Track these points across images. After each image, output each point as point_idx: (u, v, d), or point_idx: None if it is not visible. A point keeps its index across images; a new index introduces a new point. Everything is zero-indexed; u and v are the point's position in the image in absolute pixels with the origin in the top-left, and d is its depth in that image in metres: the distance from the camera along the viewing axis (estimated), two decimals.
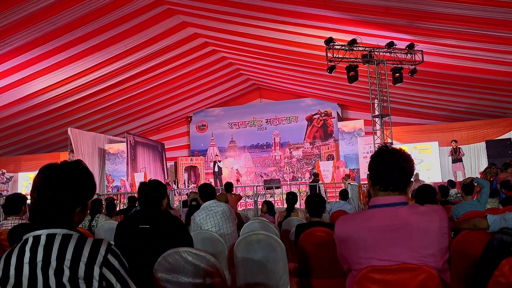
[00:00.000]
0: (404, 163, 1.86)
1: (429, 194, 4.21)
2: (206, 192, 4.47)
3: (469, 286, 2.62)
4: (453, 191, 9.15)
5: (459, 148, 14.13)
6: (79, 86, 13.41)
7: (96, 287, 1.49)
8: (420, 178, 12.27)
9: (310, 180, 14.63)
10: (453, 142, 14.19)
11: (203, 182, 18.33)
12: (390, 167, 1.85)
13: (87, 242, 1.52)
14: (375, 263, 1.77)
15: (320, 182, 13.73)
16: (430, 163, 14.95)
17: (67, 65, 11.73)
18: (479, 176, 14.08)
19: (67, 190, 1.57)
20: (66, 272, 1.46)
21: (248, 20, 11.23)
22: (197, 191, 4.82)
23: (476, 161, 15.41)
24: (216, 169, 17.34)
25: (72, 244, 1.50)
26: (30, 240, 1.51)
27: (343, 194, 8.36)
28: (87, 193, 1.66)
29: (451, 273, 1.90)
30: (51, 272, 1.45)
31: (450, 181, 10.36)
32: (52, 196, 1.54)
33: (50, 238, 1.51)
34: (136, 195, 5.05)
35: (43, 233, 1.52)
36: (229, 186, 8.56)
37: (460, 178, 12.57)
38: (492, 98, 13.75)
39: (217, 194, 8.01)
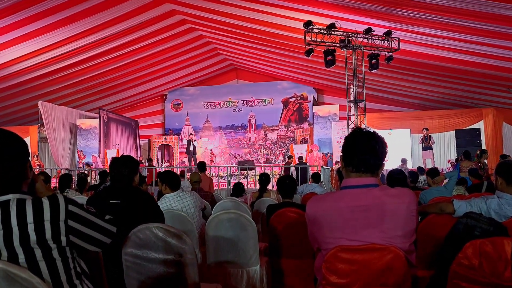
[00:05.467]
0: (377, 145, 1.87)
1: (401, 180, 4.26)
2: (174, 181, 4.08)
3: (433, 267, 2.70)
4: (422, 178, 9.34)
5: (430, 136, 14.42)
6: (51, 58, 13.02)
7: (65, 241, 1.54)
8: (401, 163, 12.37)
9: (284, 163, 14.70)
10: (424, 130, 14.46)
11: (176, 162, 18.23)
12: (363, 149, 1.86)
13: (43, 202, 1.53)
14: (344, 243, 1.80)
15: (293, 164, 13.81)
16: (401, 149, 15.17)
17: (40, 35, 11.34)
18: (448, 164, 14.48)
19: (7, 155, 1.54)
20: (33, 237, 1.46)
21: None
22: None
23: (445, 149, 15.78)
24: (191, 148, 17.19)
25: (30, 208, 1.49)
26: None
27: (315, 177, 8.44)
28: (22, 153, 1.61)
29: (417, 254, 1.94)
30: (15, 239, 1.45)
31: (419, 168, 10.58)
32: None
33: (5, 205, 1.49)
34: (108, 171, 4.93)
35: None
36: (202, 165, 8.52)
37: (429, 165, 12.83)
38: (464, 89, 14.05)
39: (190, 173, 8.03)
